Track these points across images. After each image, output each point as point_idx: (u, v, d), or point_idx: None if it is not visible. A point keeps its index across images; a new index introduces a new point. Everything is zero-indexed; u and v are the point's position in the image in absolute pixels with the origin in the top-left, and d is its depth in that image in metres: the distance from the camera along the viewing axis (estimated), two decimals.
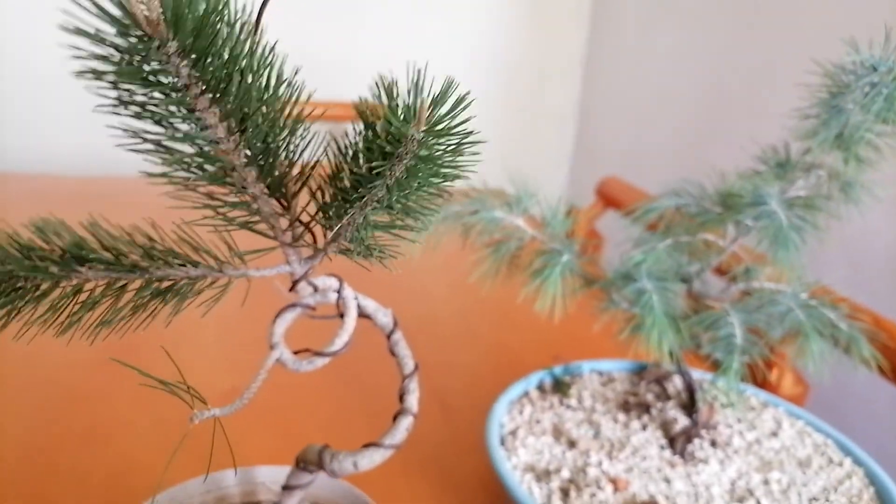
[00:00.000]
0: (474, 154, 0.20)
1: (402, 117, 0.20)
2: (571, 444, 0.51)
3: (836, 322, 0.55)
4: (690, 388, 0.52)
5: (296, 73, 0.27)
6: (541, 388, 0.59)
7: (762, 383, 0.79)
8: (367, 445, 0.30)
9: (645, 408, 0.56)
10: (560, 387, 0.58)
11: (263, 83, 0.26)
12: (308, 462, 0.31)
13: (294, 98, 0.25)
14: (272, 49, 0.25)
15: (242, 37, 0.25)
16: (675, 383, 0.59)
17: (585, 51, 2.20)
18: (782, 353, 0.78)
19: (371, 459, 0.29)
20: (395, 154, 0.20)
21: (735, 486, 0.48)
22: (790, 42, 1.39)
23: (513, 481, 0.44)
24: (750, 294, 0.51)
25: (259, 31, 0.25)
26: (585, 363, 0.62)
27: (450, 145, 0.20)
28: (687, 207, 0.50)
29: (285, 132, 0.26)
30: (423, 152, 0.20)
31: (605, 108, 2.13)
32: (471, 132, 0.20)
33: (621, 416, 0.55)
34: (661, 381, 0.59)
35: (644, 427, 0.53)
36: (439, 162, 0.20)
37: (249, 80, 0.24)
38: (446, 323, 0.84)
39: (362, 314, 0.33)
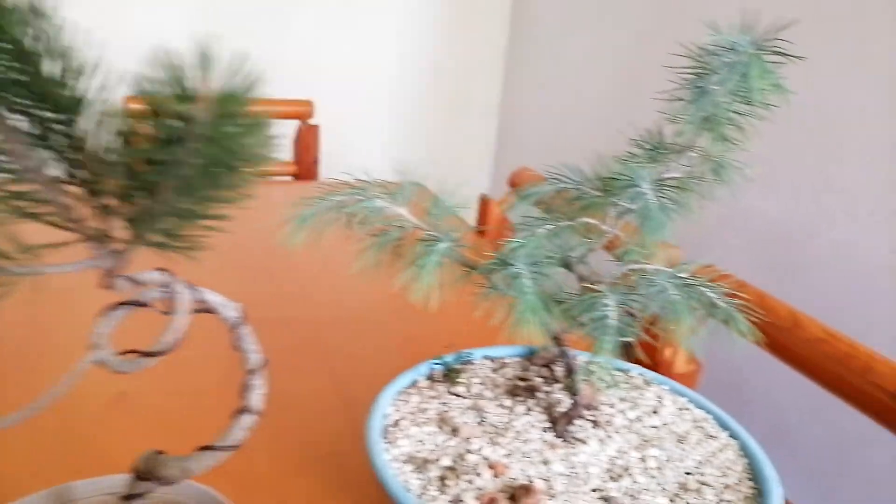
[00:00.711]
0: (270, 138, 0.19)
1: (183, 97, 0.18)
2: (455, 431, 0.51)
3: (715, 301, 0.56)
4: (570, 370, 0.52)
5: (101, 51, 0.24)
6: (431, 377, 0.58)
7: (656, 362, 0.81)
8: (202, 448, 0.28)
9: (532, 392, 0.56)
10: (450, 374, 0.58)
11: (61, 64, 0.23)
12: (142, 470, 0.29)
13: (90, 74, 0.22)
14: (62, 27, 0.22)
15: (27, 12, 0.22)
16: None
17: (507, 47, 2.21)
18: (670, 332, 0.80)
19: (203, 464, 0.28)
20: (179, 138, 0.18)
21: (613, 465, 0.48)
22: (696, 38, 1.42)
23: (386, 473, 0.43)
24: (632, 275, 0.52)
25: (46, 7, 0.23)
26: (478, 350, 0.62)
27: (242, 128, 0.19)
28: (568, 191, 0.50)
29: (87, 113, 0.23)
30: (215, 134, 0.19)
31: (527, 103, 2.15)
32: (261, 115, 0.18)
33: (507, 402, 0.55)
34: (549, 365, 0.60)
35: (528, 411, 0.53)
36: (232, 146, 0.19)
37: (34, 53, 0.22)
38: (357, 316, 0.82)
39: (206, 309, 0.31)
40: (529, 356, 0.62)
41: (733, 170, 0.49)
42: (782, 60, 0.38)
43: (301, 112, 1.60)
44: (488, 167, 2.33)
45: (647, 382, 0.60)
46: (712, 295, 0.57)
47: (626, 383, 0.59)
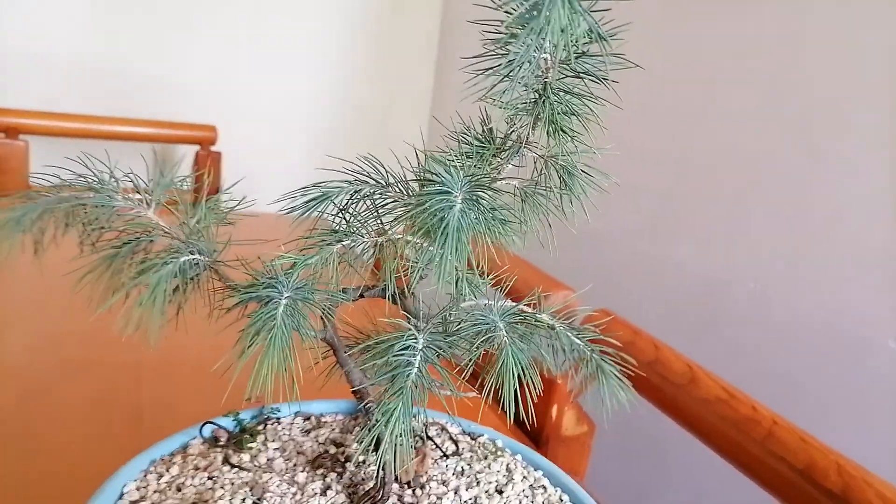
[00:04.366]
0: None
1: None
2: None
3: (576, 345, 0.45)
4: (378, 437, 0.40)
5: None
6: (215, 439, 0.45)
7: (541, 421, 0.69)
8: None
9: (339, 462, 0.43)
10: (239, 437, 0.45)
11: None
12: None
13: None
14: None
15: None
16: None
17: (433, 85, 2.14)
18: (556, 385, 0.68)
19: None
20: None
21: None
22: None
23: None
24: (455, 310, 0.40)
25: None
26: (290, 404, 0.49)
27: None
28: (370, 198, 0.38)
29: None
30: None
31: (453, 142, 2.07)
32: None
33: (303, 476, 0.41)
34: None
35: (325, 489, 0.40)
36: None
37: None
38: (127, 359, 0.68)
39: None
40: (356, 414, 0.49)
41: (582, 176, 0.38)
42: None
43: (203, 137, 1.47)
44: None
45: (499, 450, 0.48)
46: (574, 339, 0.45)
47: (472, 452, 0.47)
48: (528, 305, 0.45)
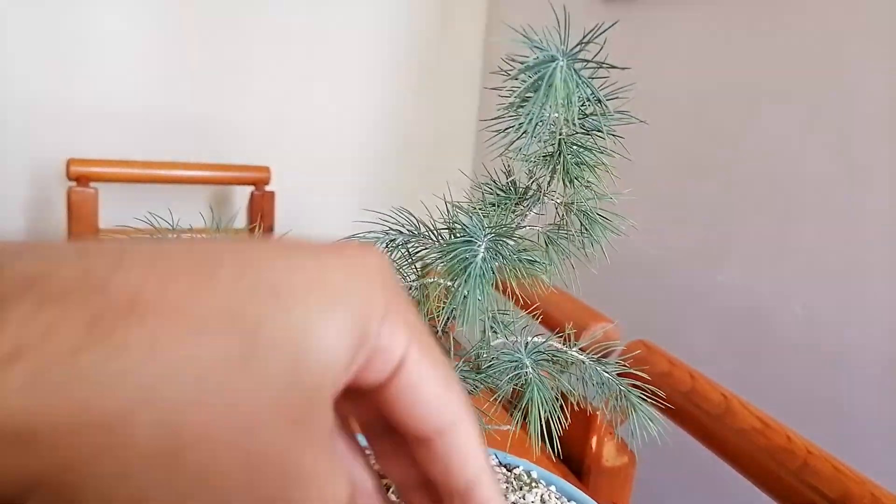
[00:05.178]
0: None
1: None
2: None
3: (609, 380, 0.47)
4: None
5: None
6: None
7: (581, 453, 0.71)
8: None
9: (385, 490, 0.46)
10: None
11: None
12: None
13: None
14: None
15: None
16: None
17: (477, 115, 2.18)
18: (594, 416, 0.70)
19: None
20: None
21: None
22: (651, 104, 1.38)
23: None
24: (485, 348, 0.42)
25: None
26: None
27: None
28: (403, 246, 0.42)
29: None
30: None
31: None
32: None
33: None
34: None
35: None
36: None
37: None
38: None
39: None
40: None
41: (602, 221, 0.40)
42: (601, 69, 0.30)
43: (258, 179, 1.55)
44: None
45: (533, 482, 0.49)
46: (604, 373, 0.47)
47: (507, 483, 0.49)
48: (561, 340, 0.47)
